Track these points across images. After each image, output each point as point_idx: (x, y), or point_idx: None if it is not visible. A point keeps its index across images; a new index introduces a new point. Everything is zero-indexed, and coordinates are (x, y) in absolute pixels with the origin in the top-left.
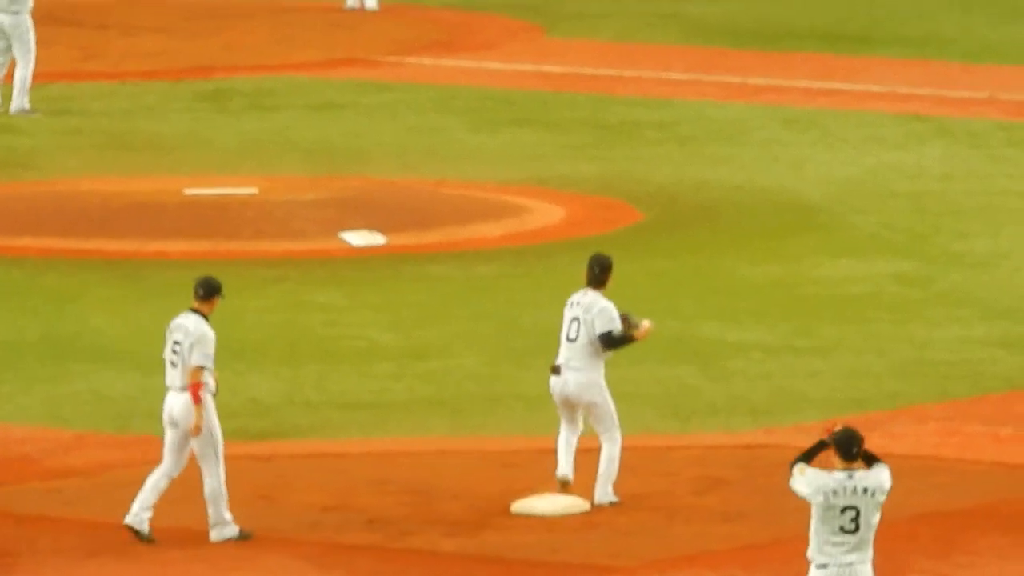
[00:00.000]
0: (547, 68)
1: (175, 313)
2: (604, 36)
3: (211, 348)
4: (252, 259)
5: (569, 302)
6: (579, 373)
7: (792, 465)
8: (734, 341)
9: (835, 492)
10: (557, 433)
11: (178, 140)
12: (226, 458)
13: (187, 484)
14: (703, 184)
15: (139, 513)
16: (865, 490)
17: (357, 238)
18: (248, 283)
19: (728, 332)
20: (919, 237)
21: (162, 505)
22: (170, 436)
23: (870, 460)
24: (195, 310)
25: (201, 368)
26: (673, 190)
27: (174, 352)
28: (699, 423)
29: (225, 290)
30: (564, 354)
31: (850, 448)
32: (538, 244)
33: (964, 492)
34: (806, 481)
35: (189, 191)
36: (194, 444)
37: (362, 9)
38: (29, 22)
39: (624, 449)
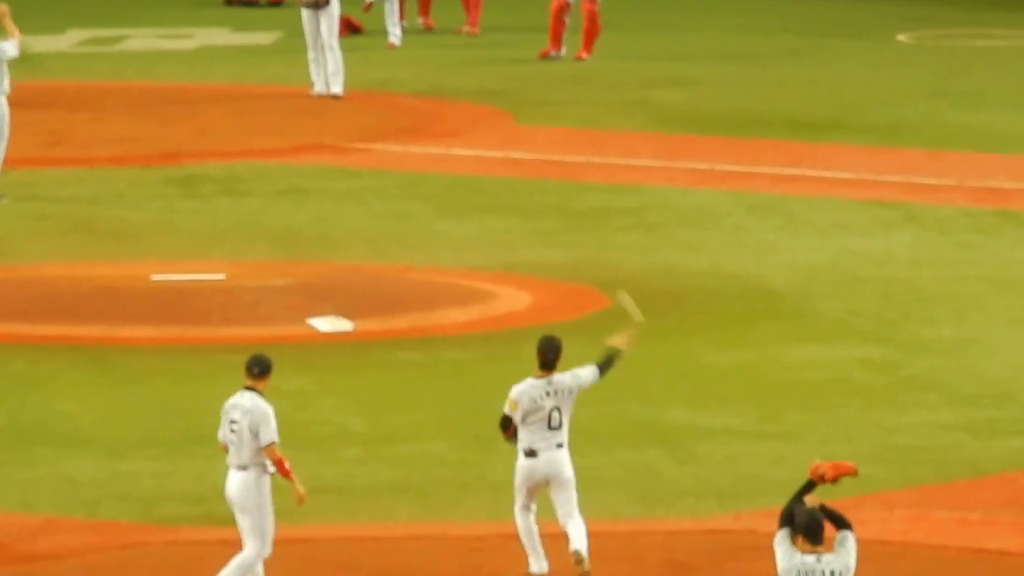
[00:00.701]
0: (515, 154)
1: (144, 398)
2: (571, 123)
3: (274, 423)
4: (220, 345)
5: (537, 397)
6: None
7: (781, 515)
8: (701, 426)
9: (805, 573)
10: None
11: (146, 226)
12: (192, 543)
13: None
14: (671, 270)
15: None
16: (832, 573)
17: (324, 324)
18: (216, 369)
19: (695, 417)
20: (886, 323)
21: None
22: (237, 519)
23: (839, 523)
24: (249, 388)
25: (274, 444)
26: (641, 276)
27: (232, 431)
28: (666, 508)
29: (201, 375)
30: (543, 439)
31: (817, 533)
32: (505, 330)
33: None
34: (780, 554)
35: (156, 277)
36: (244, 521)
37: (328, 95)
38: (6, 107)
39: (590, 534)
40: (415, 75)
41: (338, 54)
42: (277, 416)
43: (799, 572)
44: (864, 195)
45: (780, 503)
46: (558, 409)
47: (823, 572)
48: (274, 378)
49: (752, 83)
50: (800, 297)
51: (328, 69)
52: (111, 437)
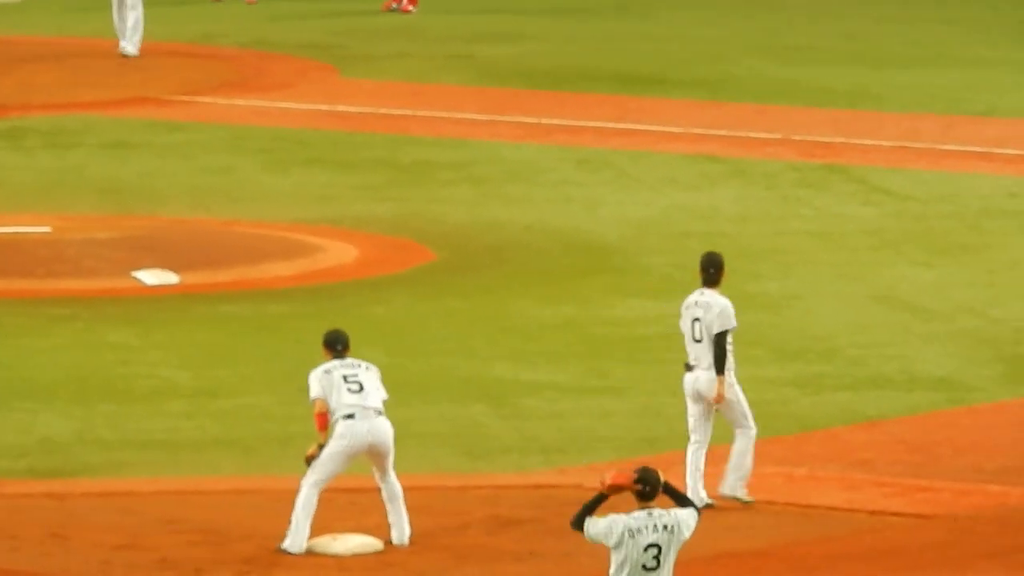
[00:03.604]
0: (340, 108)
1: None
2: (397, 76)
3: (312, 381)
4: (44, 298)
5: (686, 304)
6: (709, 371)
7: (577, 522)
8: (527, 381)
9: (636, 531)
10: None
11: None
12: (16, 496)
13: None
14: (496, 224)
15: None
16: (666, 527)
17: (150, 277)
18: (40, 322)
19: (521, 372)
20: None
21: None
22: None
23: (682, 501)
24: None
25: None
26: (466, 230)
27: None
28: (491, 463)
29: (26, 329)
30: (692, 354)
31: (652, 488)
32: (331, 283)
33: (757, 533)
34: (604, 527)
35: None
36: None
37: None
38: None
39: (415, 488)
40: (238, 28)
41: (139, 11)
42: (99, 370)
43: (629, 531)
44: (691, 150)
45: (606, 457)
46: (698, 320)
47: (654, 526)
48: (97, 330)
49: (579, 38)
50: (627, 252)
51: (128, 25)
52: None
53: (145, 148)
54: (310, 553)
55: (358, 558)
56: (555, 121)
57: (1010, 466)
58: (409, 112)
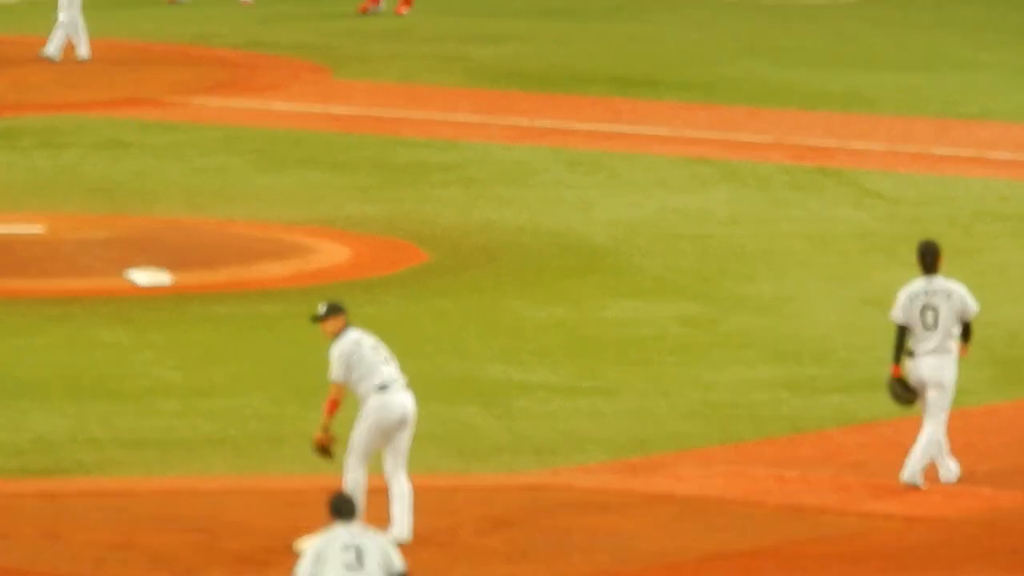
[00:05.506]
0: (334, 109)
1: None
2: (390, 78)
3: (334, 362)
4: (37, 297)
5: (910, 294)
6: (933, 356)
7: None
8: (518, 381)
9: (914, 296)
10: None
11: None
12: (8, 495)
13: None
14: (488, 225)
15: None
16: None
17: (143, 277)
18: (33, 321)
19: (512, 372)
20: (704, 280)
21: None
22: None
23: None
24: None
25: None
26: (459, 231)
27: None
28: (483, 463)
29: (18, 328)
30: (919, 341)
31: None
32: (324, 284)
33: (749, 534)
34: (897, 306)
35: None
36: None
37: (50, 59)
38: None
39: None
40: (232, 29)
41: (69, 16)
42: (92, 369)
43: (913, 295)
44: (683, 152)
45: (598, 458)
46: (930, 308)
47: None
48: (90, 330)
49: (571, 39)
50: (619, 253)
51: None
52: None
53: (139, 148)
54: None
55: None
56: (547, 123)
57: (1001, 469)
58: (402, 113)
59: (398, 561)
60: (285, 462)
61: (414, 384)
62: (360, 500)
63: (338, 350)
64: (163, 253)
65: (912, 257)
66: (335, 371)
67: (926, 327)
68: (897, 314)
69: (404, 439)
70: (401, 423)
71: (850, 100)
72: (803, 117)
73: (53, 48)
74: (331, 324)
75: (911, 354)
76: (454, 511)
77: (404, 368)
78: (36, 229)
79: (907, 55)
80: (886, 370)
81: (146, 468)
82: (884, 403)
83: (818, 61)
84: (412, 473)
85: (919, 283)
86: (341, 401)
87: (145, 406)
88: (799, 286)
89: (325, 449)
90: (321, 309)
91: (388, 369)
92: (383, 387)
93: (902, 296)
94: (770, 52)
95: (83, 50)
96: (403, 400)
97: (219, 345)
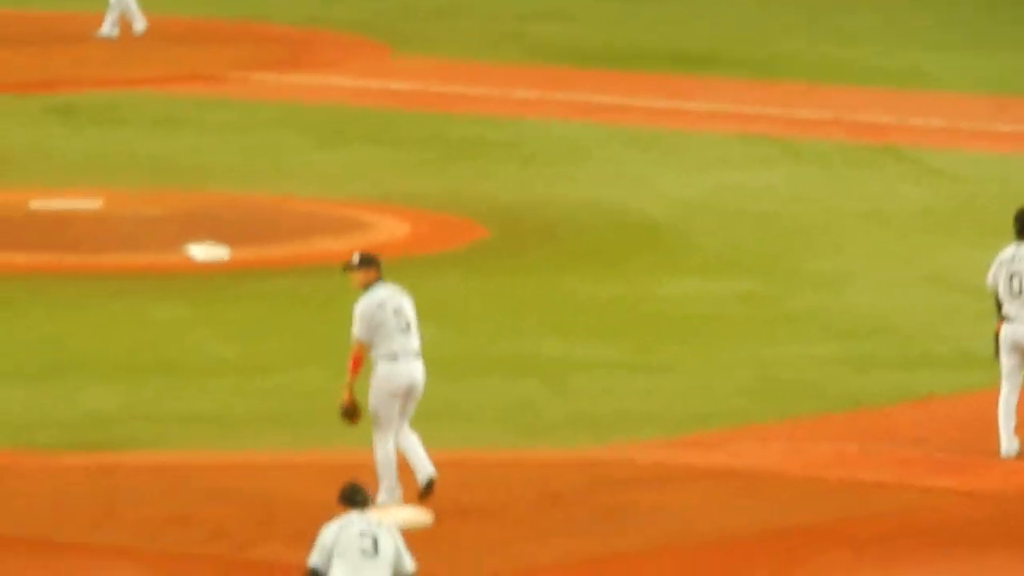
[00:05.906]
0: (392, 85)
1: (17, 324)
2: (449, 54)
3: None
4: (95, 273)
5: (1000, 260)
6: (1021, 324)
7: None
8: (577, 358)
9: (1003, 262)
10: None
11: (23, 153)
12: (65, 469)
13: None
14: (547, 202)
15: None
16: (375, 535)
17: (201, 252)
18: (90, 296)
19: (571, 349)
20: (763, 257)
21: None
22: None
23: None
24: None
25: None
26: (516, 208)
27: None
28: (540, 439)
29: (76, 303)
30: (1011, 307)
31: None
32: (382, 260)
33: (808, 509)
34: (990, 271)
35: (34, 204)
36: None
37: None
38: None
39: (465, 464)
40: (290, 5)
41: None
42: (148, 344)
43: (1003, 260)
44: (742, 129)
45: (655, 435)
46: (1016, 275)
47: (372, 533)
48: (146, 305)
49: (629, 17)
50: (678, 231)
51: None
52: None
53: (196, 124)
54: None
55: (407, 531)
56: (605, 99)
57: None
58: (460, 90)
59: (409, 562)
60: (341, 437)
61: (470, 360)
62: (393, 473)
63: (360, 309)
64: (220, 229)
65: (971, 234)
66: (357, 329)
67: (1012, 294)
68: (988, 278)
69: (410, 406)
70: (408, 392)
71: (908, 77)
72: (862, 94)
73: (108, 27)
74: (362, 275)
75: (1005, 317)
76: (511, 486)
77: (462, 344)
78: (93, 205)
79: (966, 33)
80: (943, 346)
81: (202, 443)
82: (943, 379)
83: (876, 38)
84: (470, 448)
85: (1010, 249)
86: (363, 358)
87: (201, 381)
88: (858, 263)
89: (351, 413)
90: (355, 259)
91: (402, 339)
92: (393, 356)
93: (995, 261)
94: (828, 29)
95: (139, 25)
96: (411, 370)
97: (275, 321)
